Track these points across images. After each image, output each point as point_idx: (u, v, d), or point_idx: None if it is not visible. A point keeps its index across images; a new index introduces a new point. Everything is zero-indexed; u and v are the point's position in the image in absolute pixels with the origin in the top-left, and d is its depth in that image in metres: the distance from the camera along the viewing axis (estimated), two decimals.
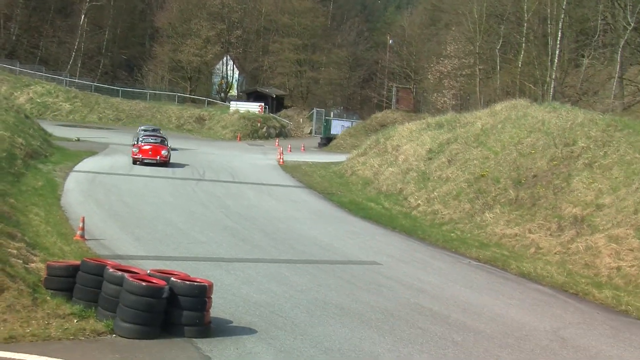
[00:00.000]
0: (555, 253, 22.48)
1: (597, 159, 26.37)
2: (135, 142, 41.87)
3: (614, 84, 51.09)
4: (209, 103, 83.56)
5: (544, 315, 16.56)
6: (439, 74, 71.05)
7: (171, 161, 40.33)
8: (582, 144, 27.72)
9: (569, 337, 14.87)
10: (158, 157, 39.17)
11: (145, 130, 48.16)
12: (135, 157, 39.26)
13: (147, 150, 39.46)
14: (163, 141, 42.28)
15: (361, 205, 31.59)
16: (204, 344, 12.12)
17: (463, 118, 38.39)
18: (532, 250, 23.26)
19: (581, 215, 23.63)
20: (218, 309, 13.65)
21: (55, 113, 71.02)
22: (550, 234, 23.68)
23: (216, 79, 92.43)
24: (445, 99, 70.08)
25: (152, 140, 41.69)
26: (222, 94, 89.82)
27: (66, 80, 78.80)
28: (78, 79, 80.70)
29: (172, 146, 45.25)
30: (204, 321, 12.53)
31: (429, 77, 73.74)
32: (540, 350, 13.77)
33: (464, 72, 68.88)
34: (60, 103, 72.99)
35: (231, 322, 13.53)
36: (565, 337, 14.88)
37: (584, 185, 25.17)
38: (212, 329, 12.73)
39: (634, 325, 16.53)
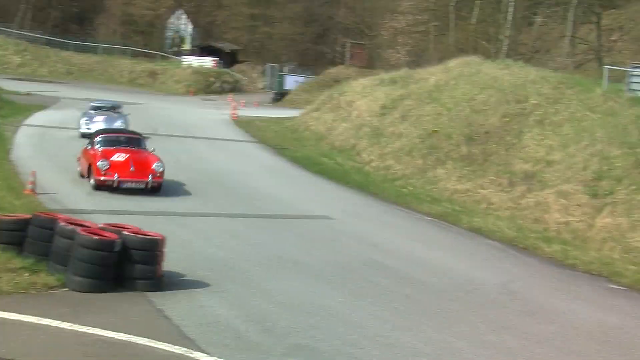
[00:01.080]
0: (506, 208, 22.79)
1: (548, 116, 26.65)
2: (89, 147, 22.57)
3: (566, 42, 51.52)
4: (163, 57, 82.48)
5: (494, 269, 16.85)
6: (392, 30, 70.88)
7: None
8: (534, 101, 27.97)
9: (518, 290, 15.14)
10: (150, 177, 21.04)
11: (96, 109, 32.58)
12: (103, 178, 20.73)
13: (125, 165, 21.21)
14: (140, 142, 23.40)
15: (314, 161, 31.58)
16: (156, 297, 12.13)
17: (416, 74, 38.35)
18: (484, 205, 23.54)
19: (532, 171, 23.95)
20: (171, 263, 13.60)
21: (5, 66, 69.57)
22: (502, 190, 23.98)
23: (169, 34, 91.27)
24: (399, 55, 70.01)
25: (123, 144, 22.64)
26: (176, 48, 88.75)
27: (15, 32, 77.10)
28: (28, 32, 78.98)
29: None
30: (156, 274, 12.53)
31: (382, 33, 73.55)
32: (489, 303, 14.01)
33: (418, 29, 68.80)
34: (10, 56, 71.59)
35: (184, 275, 13.55)
36: (514, 290, 15.15)
37: (535, 142, 25.46)
38: (164, 282, 12.72)
39: (580, 278, 16.88)
